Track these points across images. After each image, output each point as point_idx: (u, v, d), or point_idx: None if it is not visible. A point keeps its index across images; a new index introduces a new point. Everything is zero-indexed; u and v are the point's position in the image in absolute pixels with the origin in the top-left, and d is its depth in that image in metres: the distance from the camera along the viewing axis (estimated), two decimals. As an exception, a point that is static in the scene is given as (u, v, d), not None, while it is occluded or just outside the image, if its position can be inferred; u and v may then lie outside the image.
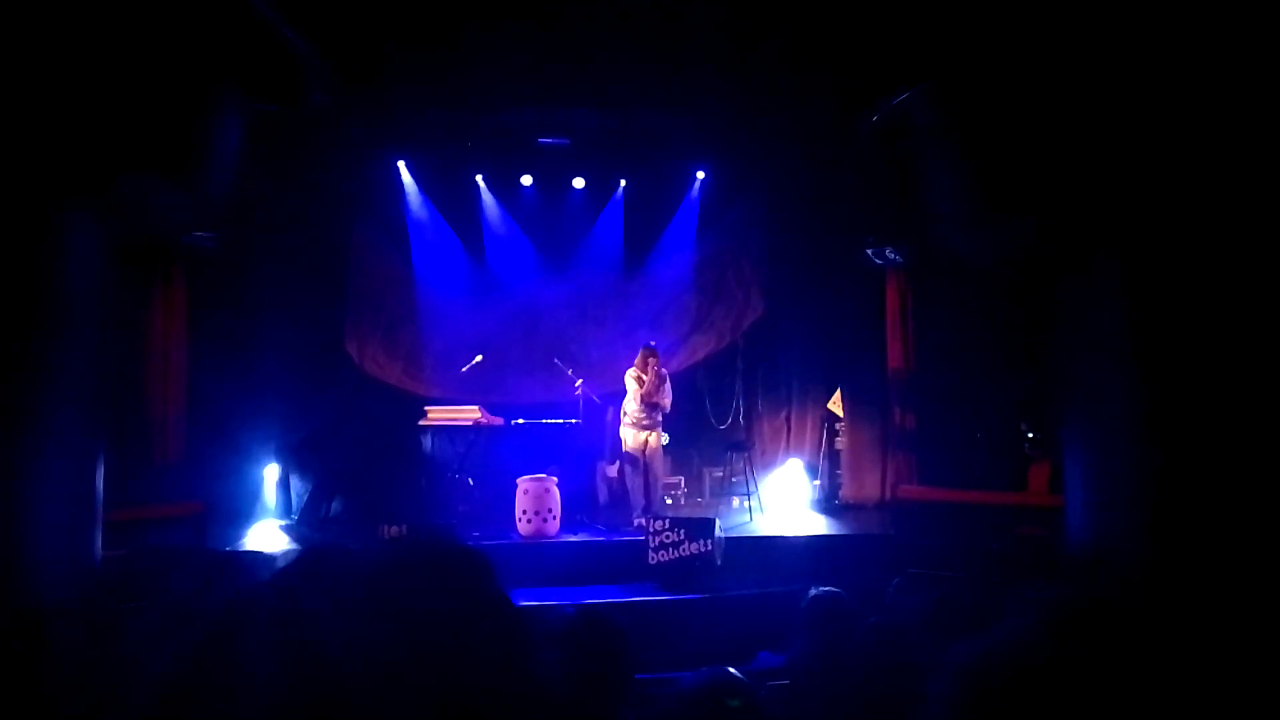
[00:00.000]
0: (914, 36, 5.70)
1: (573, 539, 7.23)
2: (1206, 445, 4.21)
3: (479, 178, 9.61)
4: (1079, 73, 4.51)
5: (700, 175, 9.79)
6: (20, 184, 4.57)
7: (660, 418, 7.96)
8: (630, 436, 7.86)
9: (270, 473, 8.51)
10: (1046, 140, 4.67)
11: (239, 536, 7.26)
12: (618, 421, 8.15)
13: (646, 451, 7.89)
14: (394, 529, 6.46)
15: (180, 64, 5.09)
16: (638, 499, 7.91)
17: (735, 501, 9.11)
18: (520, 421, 8.04)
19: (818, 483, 9.57)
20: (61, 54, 4.47)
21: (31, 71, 4.40)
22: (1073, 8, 4.55)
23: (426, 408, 7.81)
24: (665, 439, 8.22)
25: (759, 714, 1.25)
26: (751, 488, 8.88)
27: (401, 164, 9.37)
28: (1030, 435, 7.70)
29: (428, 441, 8.26)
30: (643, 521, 7.13)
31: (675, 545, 6.33)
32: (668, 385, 7.91)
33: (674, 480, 9.33)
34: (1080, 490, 5.04)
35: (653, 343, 8.00)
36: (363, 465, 8.38)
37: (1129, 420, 4.62)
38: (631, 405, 7.88)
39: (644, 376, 7.76)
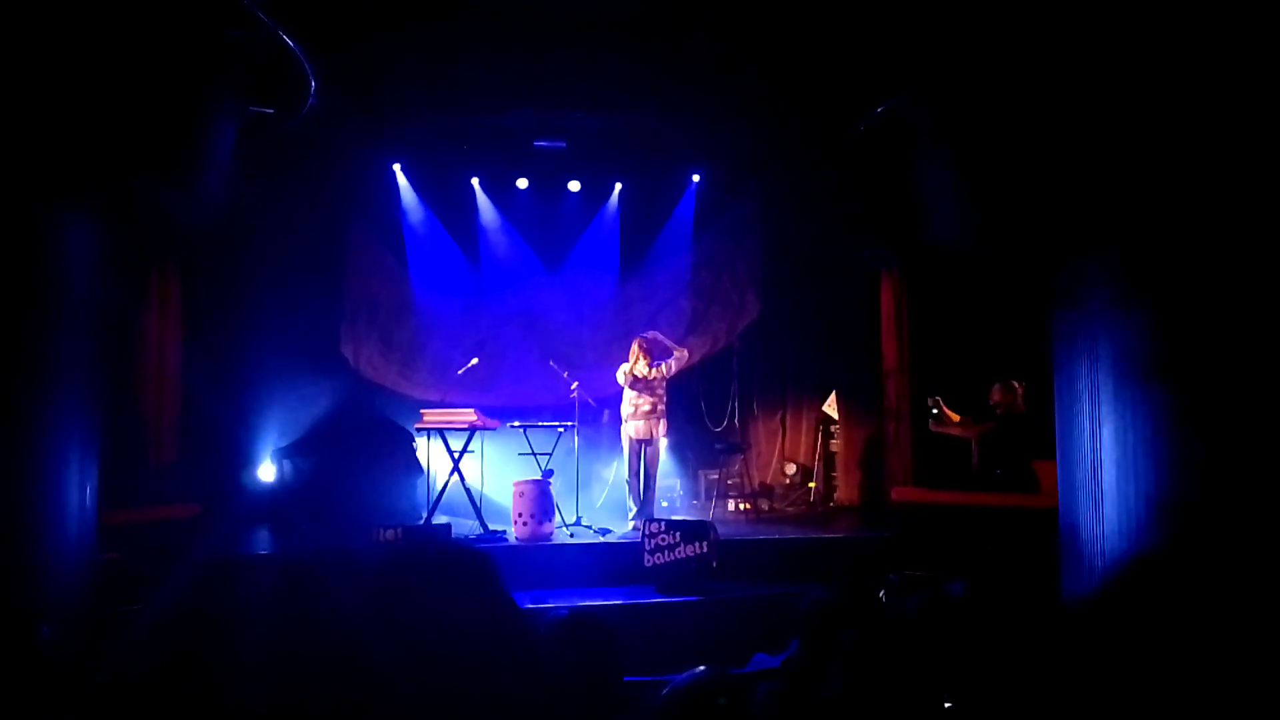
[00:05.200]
0: (905, 41, 5.73)
1: (568, 541, 7.24)
2: (1202, 442, 4.23)
3: (475, 180, 9.62)
4: (1073, 73, 4.53)
5: (696, 178, 9.81)
6: (16, 185, 4.57)
7: (662, 407, 7.92)
8: (633, 429, 7.85)
9: (267, 475, 8.51)
10: (1039, 140, 4.69)
11: (237, 539, 7.25)
12: (614, 423, 8.15)
13: (646, 452, 7.88)
14: (389, 532, 6.46)
15: (176, 66, 5.09)
16: (634, 501, 7.92)
17: (731, 504, 9.12)
18: (516, 424, 8.04)
19: (813, 485, 9.59)
20: (58, 56, 4.47)
21: (28, 74, 4.40)
22: (1062, 12, 4.57)
23: (422, 410, 7.81)
24: (665, 440, 8.20)
25: (747, 712, 1.26)
26: (747, 489, 8.89)
27: (397, 167, 9.37)
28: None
29: (423, 444, 8.26)
30: (638, 524, 7.13)
31: (671, 548, 6.33)
32: (664, 365, 7.88)
33: (670, 483, 9.33)
34: (1072, 490, 5.06)
35: (646, 334, 8.02)
36: (359, 468, 8.37)
37: (1124, 420, 4.64)
38: (628, 397, 7.88)
39: (633, 366, 7.78)
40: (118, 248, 5.57)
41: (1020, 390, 7.22)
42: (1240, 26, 3.88)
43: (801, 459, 9.79)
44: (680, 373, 8.15)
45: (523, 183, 9.62)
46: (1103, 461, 4.80)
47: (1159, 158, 4.26)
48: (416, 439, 8.21)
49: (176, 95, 5.13)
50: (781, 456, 9.87)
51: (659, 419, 7.90)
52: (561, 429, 8.09)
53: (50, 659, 2.92)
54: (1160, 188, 4.33)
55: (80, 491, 5.07)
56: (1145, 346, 4.53)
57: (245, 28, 5.74)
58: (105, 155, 4.76)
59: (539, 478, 7.56)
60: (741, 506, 8.99)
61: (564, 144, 9.03)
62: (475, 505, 7.64)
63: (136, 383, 7.47)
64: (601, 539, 7.35)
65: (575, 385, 8.16)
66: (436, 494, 7.71)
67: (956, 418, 7.58)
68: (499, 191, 9.69)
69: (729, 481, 9.33)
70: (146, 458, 7.46)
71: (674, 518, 7.31)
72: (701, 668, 1.36)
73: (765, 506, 9.15)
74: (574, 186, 9.72)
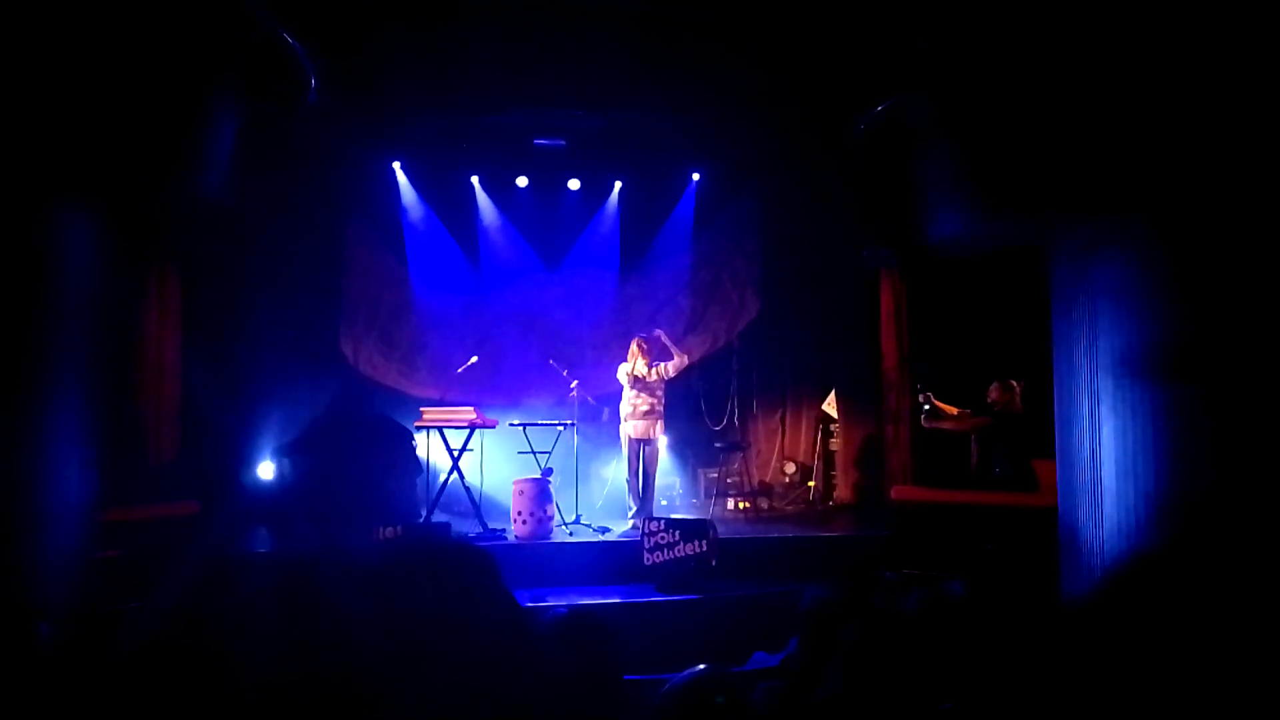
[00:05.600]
0: (904, 35, 5.72)
1: (568, 540, 7.23)
2: (1203, 440, 4.23)
3: (474, 178, 9.62)
4: (1076, 65, 4.52)
5: (696, 177, 9.81)
6: (14, 182, 4.56)
7: (661, 407, 7.93)
8: (631, 428, 7.85)
9: (266, 473, 8.50)
10: (1039, 136, 4.68)
11: (236, 537, 7.24)
12: (614, 422, 8.15)
13: (645, 451, 7.88)
14: (389, 530, 6.45)
15: (176, 63, 5.08)
16: (633, 500, 7.92)
17: (730, 502, 9.12)
18: (515, 422, 8.04)
19: (812, 484, 9.59)
20: (57, 52, 4.46)
21: (27, 69, 4.40)
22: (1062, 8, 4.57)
23: (422, 408, 7.81)
24: (665, 439, 8.20)
25: (745, 710, 1.26)
26: (747, 488, 8.88)
27: (397, 164, 9.37)
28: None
29: (423, 442, 8.26)
30: (638, 522, 7.13)
31: (670, 546, 6.33)
32: (664, 365, 7.88)
33: (669, 481, 9.33)
34: (1072, 489, 5.06)
35: (645, 333, 8.03)
36: (358, 466, 8.36)
37: (1123, 418, 4.64)
38: (627, 396, 7.88)
39: (632, 365, 7.79)
40: (117, 245, 5.57)
41: (1019, 389, 7.21)
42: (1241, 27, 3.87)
43: (801, 458, 9.80)
44: (680, 372, 8.15)
45: (522, 181, 9.62)
46: (1102, 460, 4.80)
47: (1160, 156, 4.26)
48: (416, 437, 8.21)
49: (176, 93, 5.12)
50: (781, 455, 9.87)
51: (657, 419, 7.91)
52: (561, 427, 8.09)
53: (49, 657, 2.92)
54: (1161, 185, 4.33)
55: (79, 488, 5.07)
56: (1146, 344, 4.52)
57: (246, 26, 5.73)
58: (104, 152, 4.75)
59: (539, 476, 7.56)
60: (741, 505, 8.99)
61: (564, 142, 9.03)
62: (475, 503, 7.64)
63: (136, 380, 7.46)
64: (601, 537, 7.35)
65: (575, 384, 8.16)
66: (436, 492, 7.71)
67: (955, 410, 7.58)
68: (499, 190, 9.70)
69: (728, 480, 9.33)
70: (145, 455, 7.46)
71: (673, 516, 7.32)
72: (701, 666, 1.36)
73: (764, 505, 9.15)
74: (574, 185, 9.72)
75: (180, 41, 5.02)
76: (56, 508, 4.83)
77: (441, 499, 7.69)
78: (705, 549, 6.30)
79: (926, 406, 7.64)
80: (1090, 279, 4.85)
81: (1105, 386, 4.76)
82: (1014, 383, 7.24)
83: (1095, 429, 4.85)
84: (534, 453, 7.96)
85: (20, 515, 4.58)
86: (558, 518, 7.50)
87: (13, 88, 4.34)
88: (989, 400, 7.36)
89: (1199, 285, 4.26)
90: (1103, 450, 4.79)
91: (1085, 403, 4.92)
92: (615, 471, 8.73)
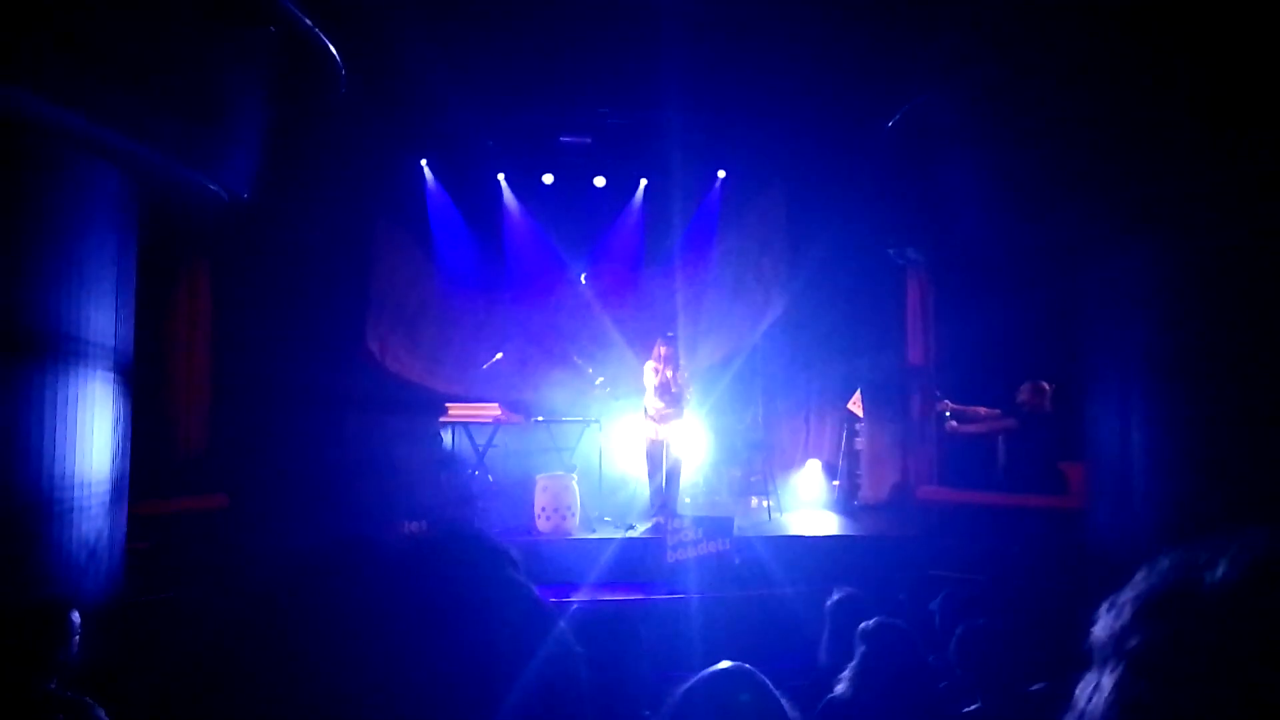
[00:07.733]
0: (935, 34, 5.67)
1: (591, 536, 7.25)
2: (1234, 434, 4.16)
3: (500, 176, 9.66)
4: (1099, 62, 4.46)
5: (721, 174, 9.78)
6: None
7: (685, 407, 7.90)
8: (652, 430, 7.84)
9: (293, 466, 8.58)
10: (1067, 133, 4.63)
11: (262, 530, 7.32)
12: (637, 419, 8.15)
13: (669, 449, 7.86)
14: (414, 524, 6.50)
15: (210, 61, 5.15)
16: (656, 498, 7.91)
17: (754, 500, 9.09)
18: (540, 419, 8.06)
19: (837, 483, 9.54)
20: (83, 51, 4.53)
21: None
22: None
23: (447, 404, 7.85)
24: (688, 438, 8.16)
25: (769, 707, 1.26)
26: (770, 487, 8.86)
27: (424, 162, 9.43)
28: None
29: (448, 438, 8.30)
30: (661, 520, 7.13)
31: (694, 544, 6.33)
32: (685, 375, 7.82)
33: (693, 479, 9.31)
34: (1101, 492, 5.00)
35: (670, 333, 7.99)
36: (383, 460, 8.43)
37: (1156, 412, 4.58)
38: (650, 398, 7.86)
39: (659, 366, 7.75)
40: (151, 240, 5.66)
41: (1050, 391, 7.13)
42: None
43: (825, 456, 9.74)
44: (705, 369, 8.12)
45: (548, 179, 9.65)
46: (1132, 462, 4.74)
47: (1193, 157, 4.19)
48: (441, 433, 8.26)
49: (210, 90, 5.18)
50: (805, 454, 9.82)
51: (681, 418, 7.88)
52: (585, 424, 8.10)
53: (80, 645, 2.97)
54: (1194, 190, 4.26)
55: (113, 480, 5.15)
56: (1176, 346, 4.46)
57: (278, 21, 5.79)
58: (140, 145, 4.82)
59: (562, 472, 7.57)
60: (765, 503, 8.96)
61: (589, 140, 9.04)
62: (499, 499, 7.68)
63: (166, 373, 7.57)
64: (624, 534, 7.35)
65: (599, 381, 8.16)
66: (461, 487, 7.75)
67: (983, 411, 7.51)
68: (524, 187, 9.73)
69: (752, 479, 9.30)
70: (175, 449, 7.56)
71: (697, 514, 7.30)
72: (724, 664, 1.36)
73: (789, 503, 9.11)
74: (599, 182, 9.73)
75: (215, 42, 5.09)
76: (92, 498, 4.92)
77: (466, 494, 7.72)
78: (728, 547, 6.29)
79: (947, 414, 7.59)
80: (1121, 279, 4.79)
81: (1135, 389, 4.70)
82: (1045, 385, 7.16)
83: (1125, 431, 4.78)
84: (558, 449, 7.98)
85: (55, 506, 4.67)
86: (581, 514, 7.51)
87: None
88: (1019, 400, 7.28)
89: (1233, 287, 4.20)
90: (1133, 452, 4.73)
91: (1115, 405, 4.86)
92: (639, 469, 8.73)
